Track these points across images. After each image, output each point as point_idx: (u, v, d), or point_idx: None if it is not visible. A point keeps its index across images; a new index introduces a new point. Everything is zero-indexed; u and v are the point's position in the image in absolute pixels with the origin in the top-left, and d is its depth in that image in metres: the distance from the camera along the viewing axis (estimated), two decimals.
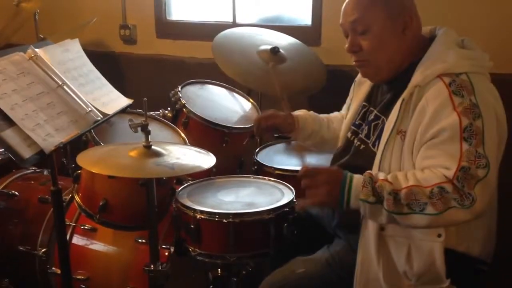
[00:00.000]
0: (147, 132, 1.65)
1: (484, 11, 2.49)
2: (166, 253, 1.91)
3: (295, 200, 1.76)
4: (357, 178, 1.42)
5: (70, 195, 2.04)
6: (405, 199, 1.35)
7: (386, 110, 1.57)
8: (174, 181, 2.02)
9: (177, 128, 2.28)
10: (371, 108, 1.68)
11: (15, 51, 1.79)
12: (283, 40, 2.76)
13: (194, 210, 1.70)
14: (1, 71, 1.67)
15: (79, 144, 1.97)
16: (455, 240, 1.46)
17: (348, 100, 1.87)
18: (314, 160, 2.12)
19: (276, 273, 1.68)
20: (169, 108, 2.39)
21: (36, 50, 1.83)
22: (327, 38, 2.89)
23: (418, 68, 1.48)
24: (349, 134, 1.74)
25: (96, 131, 1.98)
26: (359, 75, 1.80)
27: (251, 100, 2.65)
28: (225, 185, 1.92)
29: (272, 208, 1.69)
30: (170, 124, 2.30)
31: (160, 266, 1.76)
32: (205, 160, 1.71)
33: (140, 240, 1.97)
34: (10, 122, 1.59)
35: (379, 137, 1.54)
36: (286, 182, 1.91)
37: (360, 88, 1.78)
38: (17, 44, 2.20)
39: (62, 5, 3.50)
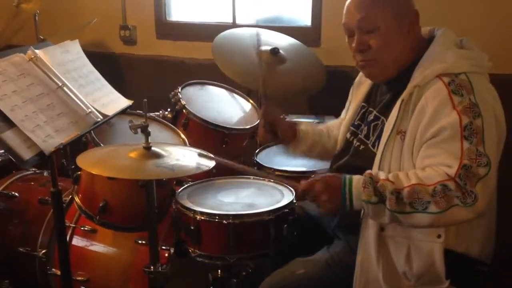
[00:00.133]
0: (147, 133, 1.65)
1: (484, 11, 2.49)
2: (166, 254, 1.91)
3: (295, 201, 1.77)
4: (357, 180, 1.42)
5: (70, 196, 2.04)
6: (408, 198, 1.35)
7: (385, 111, 1.57)
8: (174, 182, 2.02)
9: (177, 129, 2.28)
10: (370, 109, 1.68)
11: (15, 52, 1.79)
12: (283, 41, 2.77)
13: (194, 211, 1.70)
14: (1, 72, 1.67)
15: (79, 145, 1.97)
16: (454, 240, 1.46)
17: (347, 103, 1.87)
18: (311, 162, 2.12)
19: (276, 274, 1.68)
20: (169, 109, 2.39)
21: (36, 51, 1.83)
22: (327, 38, 2.89)
23: (418, 68, 1.48)
24: (348, 135, 1.74)
25: (96, 132, 1.98)
26: (358, 77, 1.81)
27: (251, 101, 2.65)
28: (225, 186, 1.92)
29: (272, 209, 1.69)
30: (170, 125, 2.30)
31: (160, 267, 1.76)
32: (205, 161, 1.71)
33: (140, 241, 1.97)
34: (10, 124, 1.59)
35: (378, 138, 1.55)
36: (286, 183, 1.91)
37: (359, 89, 1.78)
38: (17, 45, 2.20)
39: (62, 6, 3.50)
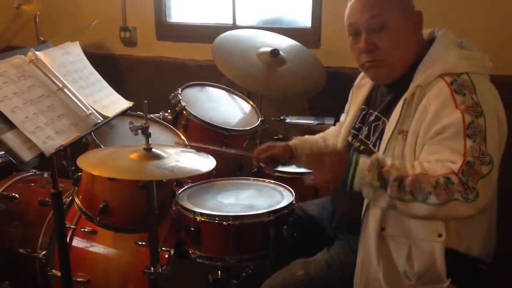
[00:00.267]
0: (147, 135, 1.66)
1: (484, 12, 2.49)
2: (166, 256, 1.91)
3: (295, 202, 1.77)
4: (363, 161, 1.41)
5: (70, 198, 2.04)
6: (410, 186, 1.34)
7: (387, 111, 1.57)
8: (174, 184, 2.02)
9: (177, 131, 2.28)
10: (371, 111, 1.68)
11: (16, 54, 1.79)
12: (283, 42, 2.77)
13: (194, 212, 1.70)
14: (1, 74, 1.67)
15: (79, 146, 1.97)
16: (455, 240, 1.46)
17: (346, 106, 1.87)
18: None
19: (276, 275, 1.68)
20: (169, 111, 2.39)
21: (37, 53, 1.83)
22: (327, 40, 2.90)
23: (419, 69, 1.49)
24: (349, 138, 1.74)
25: (97, 133, 1.98)
26: (357, 80, 1.81)
27: (251, 103, 2.66)
28: (225, 187, 1.92)
29: (272, 210, 1.69)
30: (170, 126, 2.30)
31: (160, 269, 1.76)
32: (205, 162, 1.71)
33: (140, 243, 1.97)
34: (11, 125, 1.59)
35: (379, 138, 1.55)
36: (286, 184, 1.91)
37: (358, 92, 1.78)
38: (18, 46, 2.20)
39: (62, 8, 3.50)
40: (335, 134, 1.92)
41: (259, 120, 2.50)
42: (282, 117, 2.70)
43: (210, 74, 2.70)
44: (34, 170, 2.44)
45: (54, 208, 1.77)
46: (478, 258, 1.51)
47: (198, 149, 1.83)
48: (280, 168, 2.20)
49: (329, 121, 2.61)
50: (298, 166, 1.96)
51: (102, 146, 1.96)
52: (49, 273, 2.09)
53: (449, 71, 1.43)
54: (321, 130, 2.08)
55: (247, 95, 2.70)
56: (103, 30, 3.37)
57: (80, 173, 1.91)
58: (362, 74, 1.77)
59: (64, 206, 1.96)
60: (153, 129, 1.73)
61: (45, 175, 2.41)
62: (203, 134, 2.31)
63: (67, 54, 2.00)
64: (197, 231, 1.68)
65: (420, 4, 1.57)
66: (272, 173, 2.19)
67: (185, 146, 2.09)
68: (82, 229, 2.07)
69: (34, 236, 2.14)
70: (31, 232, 2.16)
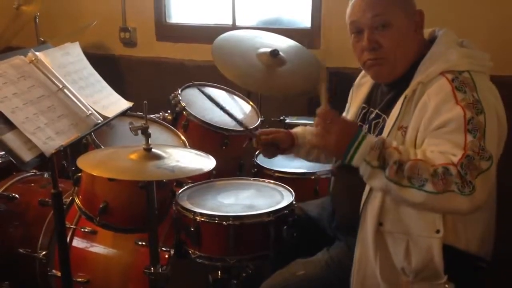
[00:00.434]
0: (147, 135, 1.66)
1: (484, 12, 2.50)
2: (166, 256, 1.91)
3: (295, 202, 1.77)
4: (369, 139, 1.39)
5: (71, 198, 2.04)
6: (408, 172, 1.33)
7: (387, 109, 1.58)
8: (174, 184, 2.02)
9: (177, 131, 2.28)
10: (371, 109, 1.68)
11: (16, 54, 1.79)
12: (283, 43, 2.77)
13: (194, 212, 1.70)
14: (1, 75, 1.67)
15: (79, 147, 1.97)
16: (453, 236, 1.46)
17: (347, 106, 1.87)
18: (311, 164, 2.12)
19: (276, 276, 1.68)
20: (169, 111, 2.39)
21: (37, 53, 1.83)
22: (327, 40, 2.90)
23: (421, 67, 1.49)
24: None
25: (97, 134, 1.98)
26: (358, 79, 1.81)
27: (251, 103, 2.66)
28: (225, 187, 1.93)
29: (272, 211, 1.70)
30: (170, 126, 2.30)
31: (160, 269, 1.76)
32: (205, 162, 1.71)
33: (140, 243, 1.97)
34: (11, 126, 1.59)
35: (379, 135, 1.55)
36: (286, 185, 1.91)
37: (359, 91, 1.78)
38: (18, 47, 2.20)
39: (62, 8, 3.51)
40: None
41: (259, 121, 2.50)
42: (282, 117, 2.70)
43: (209, 75, 2.70)
44: (34, 171, 2.44)
45: (54, 208, 1.77)
46: (476, 255, 1.51)
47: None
48: (280, 168, 2.21)
49: None
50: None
51: (102, 146, 1.96)
52: (49, 273, 2.09)
53: (450, 68, 1.43)
54: None
55: (247, 95, 2.70)
56: (103, 30, 3.37)
57: (80, 174, 1.91)
58: (362, 73, 1.77)
59: (64, 206, 1.96)
60: (153, 130, 1.73)
61: (45, 175, 2.41)
62: (203, 134, 2.31)
63: (67, 55, 2.00)
64: (197, 231, 1.69)
65: (420, 4, 1.58)
66: (272, 173, 2.19)
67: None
68: (82, 229, 2.07)
69: (34, 236, 2.14)
70: (31, 232, 2.16)
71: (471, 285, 1.55)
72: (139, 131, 1.66)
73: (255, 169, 2.31)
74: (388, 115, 1.55)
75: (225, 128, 2.32)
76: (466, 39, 1.54)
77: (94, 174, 1.66)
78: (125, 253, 2.02)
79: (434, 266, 1.44)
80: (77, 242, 2.07)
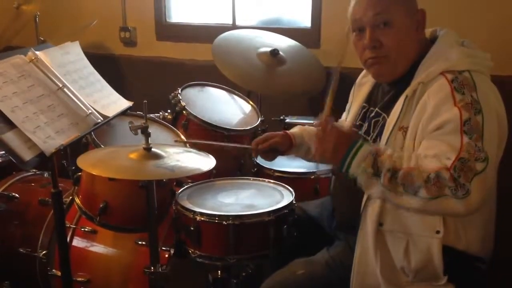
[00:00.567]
0: (147, 134, 1.66)
1: (484, 12, 2.49)
2: (166, 255, 1.91)
3: (295, 202, 1.77)
4: (366, 148, 1.41)
5: (71, 197, 2.04)
6: (402, 179, 1.35)
7: (387, 108, 1.58)
8: (174, 183, 2.02)
9: (177, 130, 2.28)
10: (372, 108, 1.68)
11: (16, 53, 1.79)
12: (283, 42, 2.77)
13: (194, 212, 1.70)
14: (1, 74, 1.67)
15: (79, 146, 1.97)
16: (453, 237, 1.46)
17: (347, 105, 1.87)
18: (311, 164, 2.12)
19: (276, 275, 1.68)
20: (169, 110, 2.39)
21: (37, 52, 1.83)
22: (327, 40, 2.90)
23: (421, 66, 1.49)
24: None
25: (96, 133, 1.98)
26: (359, 78, 1.81)
27: (251, 102, 2.66)
28: (225, 187, 1.93)
29: (272, 210, 1.70)
30: (170, 126, 2.30)
31: (160, 268, 1.76)
32: (205, 162, 1.71)
33: (140, 242, 1.97)
34: (11, 125, 1.60)
35: (380, 134, 1.55)
36: (286, 184, 1.91)
37: (360, 90, 1.79)
38: (18, 46, 2.21)
39: (62, 8, 3.50)
40: None
41: (259, 120, 2.50)
42: (282, 117, 2.70)
43: (210, 74, 2.70)
44: (34, 170, 2.44)
45: (54, 207, 1.78)
46: (476, 256, 1.51)
47: (199, 146, 1.82)
48: (280, 168, 2.21)
49: None
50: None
51: (102, 145, 1.96)
52: (49, 273, 2.09)
53: (450, 68, 1.43)
54: None
55: (247, 95, 2.70)
56: (103, 30, 3.37)
57: (80, 173, 1.92)
58: (363, 72, 1.77)
59: (64, 206, 1.96)
60: (152, 129, 1.73)
61: (45, 175, 2.41)
62: (203, 134, 2.31)
63: (67, 54, 2.00)
64: (197, 231, 1.69)
65: (421, 4, 1.58)
66: (272, 172, 2.19)
67: (185, 143, 2.09)
68: (82, 229, 2.07)
69: (34, 236, 2.14)
70: (31, 231, 2.16)
71: (471, 286, 1.55)
72: (139, 131, 1.66)
73: (255, 169, 2.31)
74: (388, 114, 1.55)
75: (225, 128, 2.32)
76: (467, 39, 1.55)
77: (94, 173, 1.66)
78: (125, 253, 2.02)
79: (434, 267, 1.44)
80: (77, 242, 2.08)
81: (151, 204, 1.71)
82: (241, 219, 1.66)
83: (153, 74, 3.37)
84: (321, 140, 1.45)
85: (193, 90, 2.55)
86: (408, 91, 1.48)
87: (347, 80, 1.91)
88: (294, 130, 1.93)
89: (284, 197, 1.82)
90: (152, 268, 1.75)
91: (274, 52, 2.60)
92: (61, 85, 1.82)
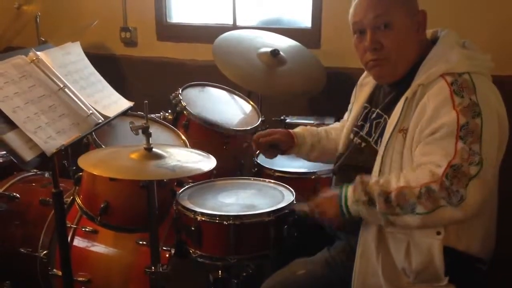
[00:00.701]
0: (148, 135, 1.66)
1: (485, 13, 2.49)
2: (167, 255, 1.91)
3: (295, 202, 1.77)
4: (349, 187, 1.48)
5: (71, 197, 2.04)
6: (396, 201, 1.37)
7: (388, 109, 1.58)
8: (175, 183, 2.03)
9: (178, 131, 2.28)
10: (373, 109, 1.69)
11: (17, 54, 1.79)
12: (283, 43, 2.77)
13: (195, 212, 1.70)
14: (2, 74, 1.68)
15: (80, 146, 1.98)
16: (454, 238, 1.46)
17: (350, 106, 1.87)
18: (312, 164, 2.12)
19: (277, 275, 1.68)
20: (169, 111, 2.40)
21: (38, 53, 1.83)
22: (327, 40, 2.90)
23: (422, 68, 1.49)
24: (351, 136, 1.74)
25: (97, 133, 1.99)
26: (361, 78, 1.81)
27: (252, 103, 2.66)
28: (225, 187, 1.93)
29: (273, 210, 1.70)
30: (171, 126, 2.30)
31: (161, 268, 1.76)
32: (206, 162, 1.71)
33: (141, 242, 1.98)
34: (12, 125, 1.60)
35: (381, 136, 1.55)
36: (286, 184, 1.91)
37: (362, 90, 1.79)
38: (18, 47, 2.21)
39: (63, 8, 3.50)
40: (337, 129, 1.92)
41: (260, 120, 2.50)
42: (282, 117, 2.70)
43: (210, 74, 2.70)
44: (35, 170, 2.44)
45: (55, 207, 1.78)
46: (477, 257, 1.52)
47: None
48: (281, 168, 2.21)
49: (329, 121, 2.61)
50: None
51: (103, 146, 1.96)
52: (50, 273, 2.10)
53: (450, 70, 1.43)
54: None
55: (247, 95, 2.70)
56: (104, 30, 3.38)
57: (81, 173, 1.92)
58: (365, 73, 1.77)
59: (65, 206, 1.96)
60: (153, 129, 1.73)
61: (46, 175, 2.42)
62: (204, 134, 2.31)
63: (68, 54, 2.01)
64: (198, 231, 1.69)
65: (421, 4, 1.58)
66: (273, 172, 2.19)
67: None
68: (83, 229, 2.07)
69: (35, 236, 2.15)
70: (32, 231, 2.16)
71: (472, 287, 1.55)
72: (140, 131, 1.66)
73: (256, 169, 2.31)
74: (389, 115, 1.55)
75: (226, 128, 2.32)
76: (468, 40, 1.55)
77: (95, 173, 1.66)
78: (126, 253, 2.02)
79: (435, 268, 1.45)
80: (78, 242, 2.08)
81: (152, 204, 1.71)
82: (241, 219, 1.66)
83: (154, 74, 3.37)
84: (322, 215, 1.55)
85: (193, 90, 2.55)
86: (408, 93, 1.48)
87: (348, 81, 1.91)
88: (297, 130, 1.94)
89: (284, 197, 1.82)
90: (153, 268, 1.75)
91: (275, 52, 2.60)
92: (62, 86, 1.82)
